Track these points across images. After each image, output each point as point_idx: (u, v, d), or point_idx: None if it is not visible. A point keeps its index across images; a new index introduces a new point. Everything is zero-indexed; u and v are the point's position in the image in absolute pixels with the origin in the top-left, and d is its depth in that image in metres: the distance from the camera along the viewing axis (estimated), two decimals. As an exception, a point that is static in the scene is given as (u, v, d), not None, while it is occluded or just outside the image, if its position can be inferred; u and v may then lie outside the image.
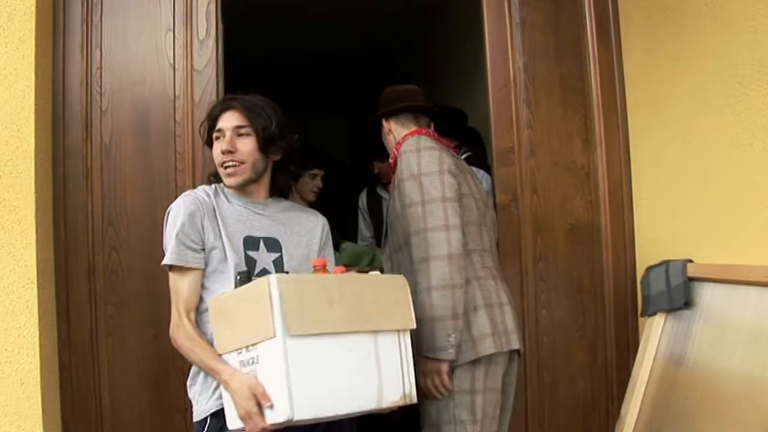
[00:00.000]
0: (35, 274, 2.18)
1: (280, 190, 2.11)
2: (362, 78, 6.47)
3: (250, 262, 1.91)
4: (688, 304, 2.33)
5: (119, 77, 2.46)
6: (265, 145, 1.95)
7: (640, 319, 2.62)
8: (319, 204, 3.84)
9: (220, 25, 2.55)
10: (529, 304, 2.71)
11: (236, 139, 1.93)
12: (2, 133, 2.19)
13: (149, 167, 2.46)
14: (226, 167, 1.94)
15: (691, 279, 2.34)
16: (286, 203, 2.12)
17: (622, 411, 2.44)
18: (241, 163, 1.93)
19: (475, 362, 2.10)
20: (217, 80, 2.51)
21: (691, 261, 2.36)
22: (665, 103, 2.55)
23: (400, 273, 2.08)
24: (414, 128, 2.35)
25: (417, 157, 2.16)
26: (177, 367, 2.40)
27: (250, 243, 1.94)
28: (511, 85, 2.73)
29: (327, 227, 2.15)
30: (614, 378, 2.73)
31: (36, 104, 2.22)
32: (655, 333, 2.42)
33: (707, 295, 2.30)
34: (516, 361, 2.26)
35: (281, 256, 1.97)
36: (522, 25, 2.72)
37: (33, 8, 2.23)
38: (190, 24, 2.50)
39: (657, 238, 2.64)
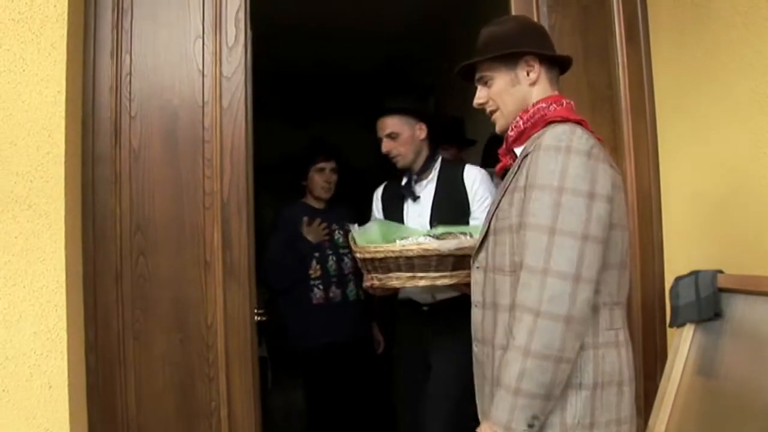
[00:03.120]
0: (64, 278, 2.20)
1: None
2: (383, 85, 6.50)
3: None
4: (717, 315, 2.29)
5: (148, 83, 2.48)
6: None
7: (669, 330, 2.59)
8: (337, 200, 3.90)
9: (249, 32, 2.56)
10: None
11: None
12: (33, 138, 2.22)
13: (177, 173, 2.47)
14: None
15: (721, 290, 2.31)
16: None
17: (650, 422, 2.41)
18: None
19: None
20: (246, 87, 2.51)
21: (721, 271, 2.33)
22: (695, 111, 2.52)
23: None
24: (555, 93, 1.87)
25: (564, 160, 1.60)
26: (203, 373, 2.42)
27: None
28: (539, 92, 2.70)
29: None
30: (641, 388, 2.69)
31: (67, 110, 2.24)
32: (684, 344, 2.39)
33: (737, 306, 2.27)
34: None
35: None
36: (550, 32, 2.68)
37: (65, 15, 2.25)
38: (219, 31, 2.51)
39: (686, 248, 2.61)
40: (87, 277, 2.40)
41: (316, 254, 3.73)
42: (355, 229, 2.66)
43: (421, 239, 2.49)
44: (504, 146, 1.91)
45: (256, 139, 2.59)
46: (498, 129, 1.93)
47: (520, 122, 1.81)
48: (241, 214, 2.47)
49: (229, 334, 2.44)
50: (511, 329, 1.60)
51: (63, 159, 2.23)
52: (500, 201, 1.78)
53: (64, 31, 2.25)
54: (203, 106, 2.48)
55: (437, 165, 3.03)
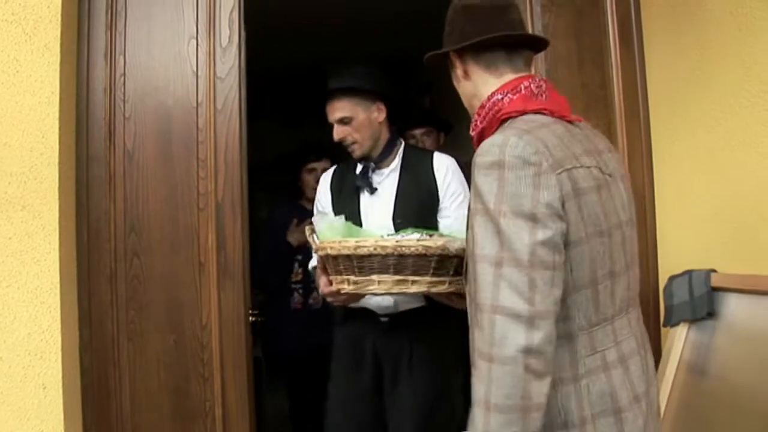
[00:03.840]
0: (58, 279, 2.20)
1: None
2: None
3: None
4: (711, 314, 2.30)
5: (142, 84, 2.48)
6: None
7: (663, 329, 2.60)
8: None
9: (243, 33, 2.56)
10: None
11: None
12: (27, 139, 2.22)
13: (171, 174, 2.46)
14: None
15: (715, 289, 2.32)
16: None
17: (644, 422, 2.41)
18: None
19: None
20: (240, 88, 2.51)
21: (714, 271, 2.34)
22: (689, 112, 2.53)
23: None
24: (511, 78, 1.59)
25: (498, 178, 1.37)
26: (197, 373, 2.41)
27: None
28: (533, 92, 2.71)
29: None
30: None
31: (60, 111, 2.24)
32: (678, 343, 2.40)
33: (731, 305, 2.27)
34: None
35: None
36: (544, 33, 2.71)
37: (59, 16, 2.25)
38: (213, 32, 2.51)
39: (680, 248, 2.62)
40: (81, 278, 2.40)
41: (299, 257, 3.61)
42: (318, 221, 2.23)
43: (416, 235, 2.06)
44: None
45: (251, 138, 2.59)
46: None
47: (478, 121, 1.59)
48: (236, 214, 2.46)
49: (223, 335, 2.44)
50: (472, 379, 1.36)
51: (57, 160, 2.23)
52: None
53: (58, 32, 2.25)
54: (197, 107, 2.48)
55: (400, 151, 2.61)
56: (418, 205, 2.46)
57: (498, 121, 1.53)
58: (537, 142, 1.38)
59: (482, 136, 1.54)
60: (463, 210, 2.24)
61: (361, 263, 2.01)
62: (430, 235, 2.06)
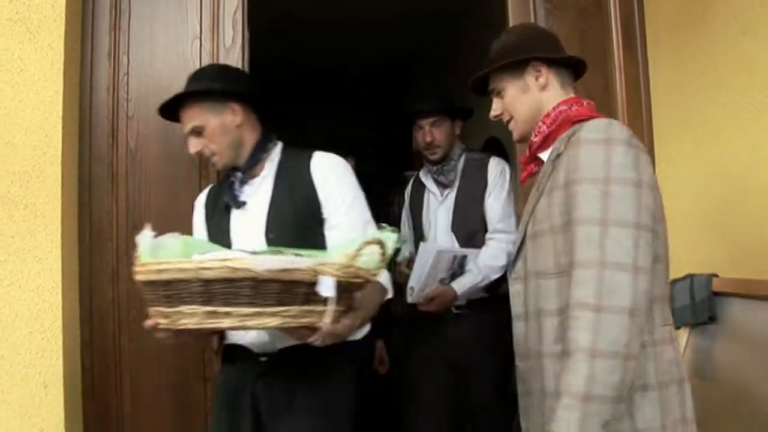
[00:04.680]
0: (60, 277, 2.20)
1: None
2: (384, 82, 6.49)
3: None
4: (712, 318, 2.30)
5: (146, 84, 2.48)
6: None
7: (664, 333, 2.60)
8: None
9: (246, 34, 2.56)
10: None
11: None
12: (30, 137, 2.22)
13: (174, 173, 2.47)
14: None
15: (716, 294, 2.32)
16: None
17: (644, 426, 2.41)
18: None
19: None
20: (244, 88, 2.52)
21: (716, 275, 2.34)
22: (692, 117, 2.53)
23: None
24: (572, 95, 1.80)
25: (607, 151, 1.54)
26: (198, 374, 2.42)
27: None
28: (535, 95, 2.71)
29: None
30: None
31: (64, 110, 2.25)
32: (679, 347, 2.40)
33: (732, 310, 2.27)
34: None
35: None
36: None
37: (63, 15, 2.26)
38: (217, 32, 2.51)
39: (682, 252, 2.61)
40: (83, 277, 2.40)
41: None
42: (144, 240, 1.75)
43: (233, 254, 1.70)
44: (527, 154, 1.84)
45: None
46: (515, 138, 1.88)
47: (543, 127, 1.75)
48: (238, 215, 2.46)
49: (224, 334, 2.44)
50: (568, 332, 1.47)
51: (60, 159, 2.23)
52: (536, 205, 1.70)
53: (62, 32, 2.26)
54: (201, 107, 2.48)
55: (275, 156, 2.17)
56: (293, 217, 2.06)
57: (569, 123, 1.69)
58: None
59: (547, 139, 1.74)
60: (356, 213, 2.05)
61: (165, 290, 1.58)
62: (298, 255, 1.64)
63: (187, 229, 2.40)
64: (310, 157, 2.12)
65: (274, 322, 1.55)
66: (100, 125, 2.45)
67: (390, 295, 2.07)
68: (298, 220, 2.06)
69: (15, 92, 2.23)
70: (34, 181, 2.21)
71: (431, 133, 3.08)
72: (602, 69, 2.75)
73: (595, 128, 1.58)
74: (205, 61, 2.50)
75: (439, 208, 3.10)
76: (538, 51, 1.79)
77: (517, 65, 1.78)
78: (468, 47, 4.89)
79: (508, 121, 1.85)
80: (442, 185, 3.10)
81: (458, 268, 2.87)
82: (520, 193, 2.67)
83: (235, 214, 2.14)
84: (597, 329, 1.41)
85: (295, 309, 1.57)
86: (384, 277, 1.99)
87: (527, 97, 1.79)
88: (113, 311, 2.41)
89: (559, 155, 1.65)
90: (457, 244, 2.98)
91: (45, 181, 2.22)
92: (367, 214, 2.09)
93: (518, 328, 1.76)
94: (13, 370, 2.17)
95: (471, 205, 3.02)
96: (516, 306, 1.77)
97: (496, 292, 2.89)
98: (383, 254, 1.68)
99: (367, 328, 2.06)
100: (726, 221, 2.38)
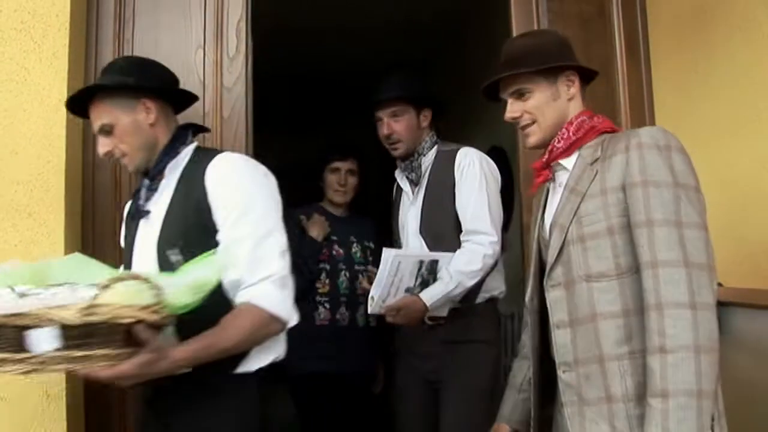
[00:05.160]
0: (63, 287, 2.20)
1: None
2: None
3: None
4: (717, 328, 2.29)
5: (149, 93, 2.48)
6: None
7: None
8: (360, 210, 3.46)
9: (250, 42, 2.57)
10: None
11: None
12: (34, 146, 2.23)
13: (178, 182, 2.46)
14: None
15: (721, 303, 2.30)
16: None
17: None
18: None
19: None
20: (246, 97, 2.52)
21: (720, 284, 2.32)
22: (696, 126, 2.52)
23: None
24: (585, 107, 1.84)
25: (669, 157, 1.62)
26: (201, 383, 2.40)
27: None
28: (539, 103, 2.70)
29: None
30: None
31: (67, 119, 2.25)
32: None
33: (737, 320, 2.26)
34: None
35: None
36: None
37: (67, 24, 2.27)
38: (221, 41, 2.52)
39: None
40: (86, 286, 2.39)
41: (327, 267, 3.18)
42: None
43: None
44: (544, 159, 1.83)
45: (257, 147, 2.58)
46: (533, 143, 1.84)
47: (569, 134, 1.78)
48: (241, 223, 2.46)
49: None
50: (657, 330, 1.50)
51: (63, 167, 2.24)
52: (577, 208, 1.70)
53: (66, 41, 2.27)
54: (204, 116, 2.48)
55: (182, 159, 1.95)
56: (184, 228, 1.83)
57: (596, 133, 1.77)
58: None
59: (572, 146, 1.78)
60: (244, 227, 1.78)
61: None
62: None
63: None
64: (209, 161, 1.86)
65: (20, 369, 1.43)
66: (103, 134, 2.45)
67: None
68: (187, 232, 1.82)
69: (19, 101, 2.24)
70: (38, 190, 2.21)
71: (389, 125, 2.74)
72: (606, 77, 2.74)
73: (654, 135, 1.64)
74: (209, 71, 2.51)
75: (410, 209, 2.81)
76: (571, 60, 1.82)
77: (552, 71, 1.78)
78: (472, 55, 4.90)
79: (527, 125, 1.82)
80: (413, 183, 2.79)
81: (429, 275, 2.57)
82: (520, 197, 2.62)
83: (141, 224, 1.95)
84: (696, 326, 1.46)
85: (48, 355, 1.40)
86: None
87: (556, 105, 1.80)
88: (116, 320, 2.40)
89: (595, 160, 1.71)
90: (426, 249, 2.68)
91: (49, 190, 2.22)
92: (262, 228, 1.80)
93: (561, 336, 1.73)
94: (15, 380, 2.15)
95: (439, 204, 2.69)
96: (558, 313, 1.74)
97: (471, 303, 2.64)
98: (156, 288, 1.47)
99: (269, 357, 1.84)
100: (730, 230, 2.37)
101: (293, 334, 1.98)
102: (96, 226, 2.42)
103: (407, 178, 2.80)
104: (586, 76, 1.86)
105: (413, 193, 2.79)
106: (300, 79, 6.11)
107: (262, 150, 2.69)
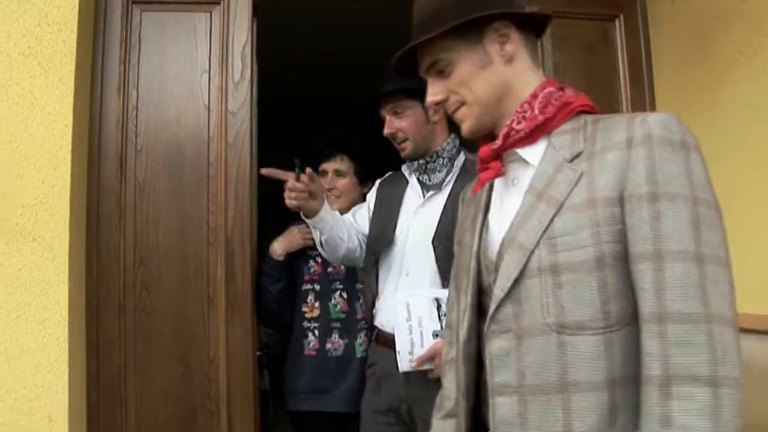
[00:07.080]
0: (67, 311, 2.20)
1: None
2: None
3: None
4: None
5: (155, 118, 2.50)
6: None
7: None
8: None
9: (255, 68, 2.58)
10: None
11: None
12: (39, 171, 2.23)
13: (182, 207, 2.47)
14: None
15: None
16: None
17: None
18: None
19: None
20: (251, 122, 2.53)
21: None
22: (699, 151, 2.52)
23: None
24: (543, 76, 1.35)
25: (687, 159, 1.18)
26: (204, 407, 2.40)
27: None
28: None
29: None
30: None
31: (73, 143, 2.26)
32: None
33: (745, 346, 2.24)
34: None
35: None
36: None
37: (74, 50, 2.28)
38: (226, 66, 2.53)
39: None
40: (90, 310, 2.40)
41: (315, 287, 2.74)
42: None
43: None
44: (496, 146, 1.30)
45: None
46: (469, 129, 1.35)
47: (536, 111, 1.27)
48: (245, 249, 2.47)
49: (230, 369, 2.43)
50: (665, 417, 1.05)
51: (68, 192, 2.24)
52: (549, 224, 1.19)
53: (73, 66, 2.28)
54: (208, 141, 2.49)
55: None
56: None
57: (570, 111, 1.28)
58: None
59: (539, 129, 1.27)
60: None
61: None
62: None
63: (194, 263, 2.42)
64: None
65: None
66: (108, 159, 2.46)
67: None
68: None
69: (25, 126, 2.25)
70: (43, 214, 2.22)
71: (390, 123, 2.40)
72: (609, 103, 2.75)
73: (668, 125, 1.18)
74: (214, 96, 2.52)
75: (417, 212, 2.38)
76: (497, 6, 1.27)
77: (471, 30, 1.27)
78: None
79: (456, 109, 1.34)
80: (425, 186, 2.41)
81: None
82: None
83: None
84: (718, 412, 1.04)
85: None
86: None
87: (488, 74, 1.29)
88: (120, 344, 2.40)
89: (577, 155, 1.22)
90: (433, 261, 2.25)
91: (54, 215, 2.22)
92: None
93: (504, 407, 1.21)
94: (18, 404, 2.16)
95: None
96: (502, 373, 1.22)
97: None
98: None
99: None
100: (736, 257, 2.36)
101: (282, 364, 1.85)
102: (100, 250, 2.42)
103: (419, 180, 2.43)
104: (530, 26, 1.33)
105: (424, 195, 2.40)
106: (309, 104, 6.14)
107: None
